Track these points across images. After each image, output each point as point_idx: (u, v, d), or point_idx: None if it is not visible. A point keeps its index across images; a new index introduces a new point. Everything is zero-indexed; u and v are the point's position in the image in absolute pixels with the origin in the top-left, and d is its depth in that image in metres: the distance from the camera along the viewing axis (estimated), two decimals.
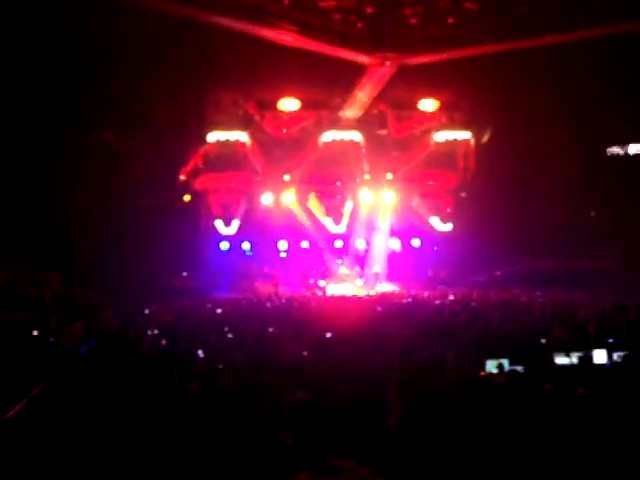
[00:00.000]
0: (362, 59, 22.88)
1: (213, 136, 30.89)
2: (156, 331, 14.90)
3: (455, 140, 31.95)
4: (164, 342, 13.36)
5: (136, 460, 5.84)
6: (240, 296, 25.89)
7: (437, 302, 21.34)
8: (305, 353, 11.22)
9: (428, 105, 31.10)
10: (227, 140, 30.89)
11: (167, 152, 28.34)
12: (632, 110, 26.15)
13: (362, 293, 28.90)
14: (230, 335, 14.08)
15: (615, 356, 11.14)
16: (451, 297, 23.58)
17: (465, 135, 31.86)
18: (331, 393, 7.94)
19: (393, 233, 33.81)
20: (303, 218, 33.20)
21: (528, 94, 25.28)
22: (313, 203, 33.73)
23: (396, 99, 29.42)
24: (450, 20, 21.06)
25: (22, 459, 5.94)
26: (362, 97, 27.23)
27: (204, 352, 11.69)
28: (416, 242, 34.43)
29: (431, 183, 34.15)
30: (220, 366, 10.27)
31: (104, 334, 14.05)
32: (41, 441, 6.25)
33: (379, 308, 19.75)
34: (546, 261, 30.38)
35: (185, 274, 30.89)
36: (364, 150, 31.86)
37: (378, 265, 32.19)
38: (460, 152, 32.57)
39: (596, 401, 7.49)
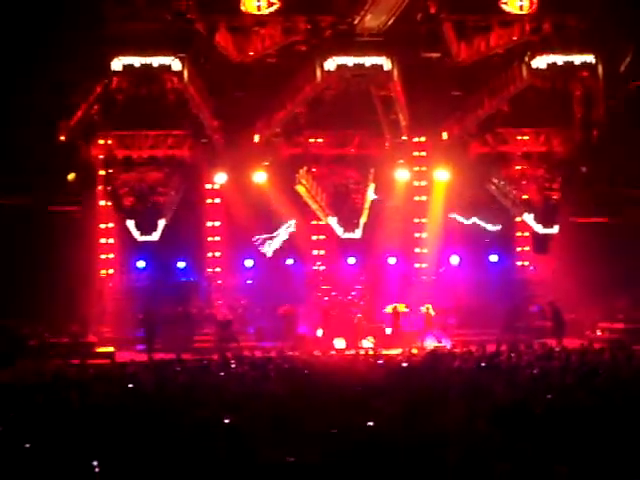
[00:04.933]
0: None
1: (120, 62, 24.31)
2: None
3: (568, 68, 25.00)
4: None
5: None
6: (169, 356, 22.19)
7: (535, 370, 17.09)
8: (291, 459, 9.51)
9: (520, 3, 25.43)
10: (147, 68, 24.40)
11: (37, 91, 24.09)
12: None
13: (396, 351, 24.66)
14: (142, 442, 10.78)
15: None
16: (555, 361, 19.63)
17: (587, 59, 24.95)
18: None
19: (450, 241, 28.75)
20: (283, 215, 28.50)
21: None
22: (304, 186, 27.55)
23: None
24: None
25: None
26: None
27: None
28: (492, 256, 29.19)
29: (524, 149, 28.00)
30: None
31: None
32: None
33: (428, 381, 15.92)
34: None
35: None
36: (399, 88, 24.99)
37: (428, 303, 26.91)
38: (577, 91, 25.72)
39: None
